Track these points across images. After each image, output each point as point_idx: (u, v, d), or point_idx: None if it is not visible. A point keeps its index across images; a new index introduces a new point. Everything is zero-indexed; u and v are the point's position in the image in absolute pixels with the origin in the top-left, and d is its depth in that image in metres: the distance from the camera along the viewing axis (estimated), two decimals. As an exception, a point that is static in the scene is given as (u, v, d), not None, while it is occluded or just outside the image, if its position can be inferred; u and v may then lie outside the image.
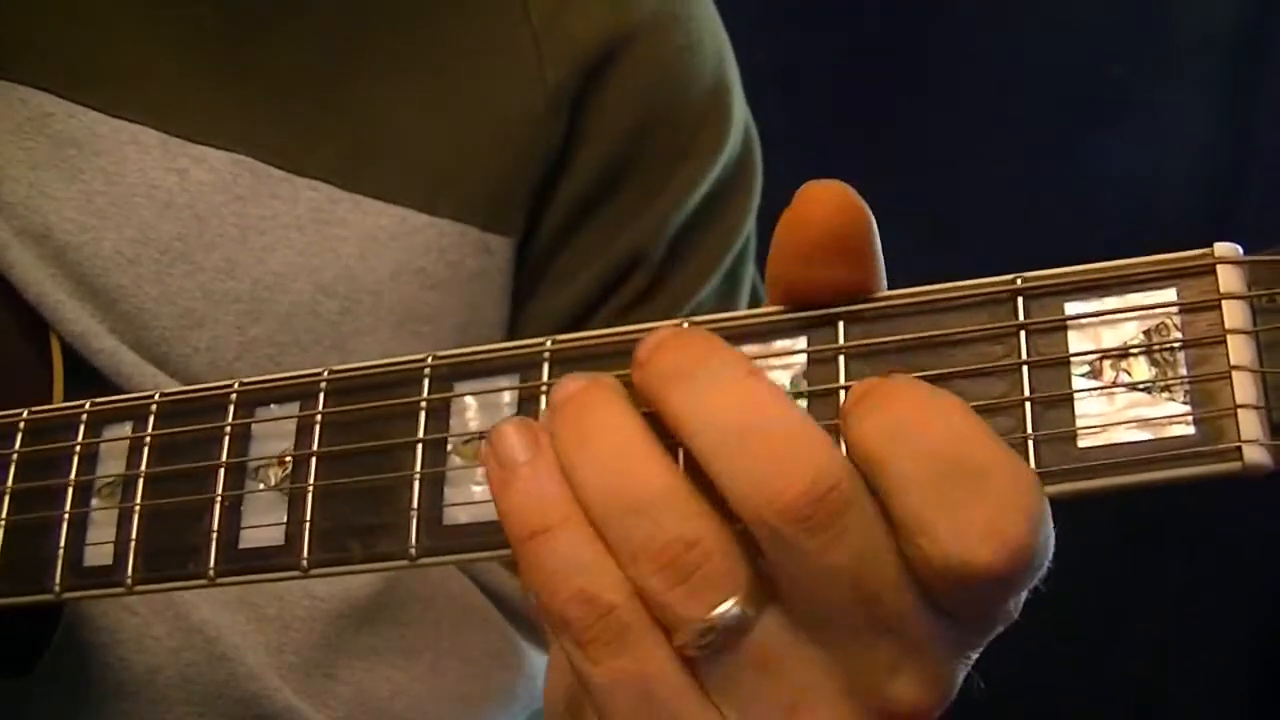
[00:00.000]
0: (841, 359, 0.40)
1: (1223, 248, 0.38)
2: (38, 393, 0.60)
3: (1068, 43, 1.68)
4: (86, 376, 0.63)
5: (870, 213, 0.39)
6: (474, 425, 0.43)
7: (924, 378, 0.39)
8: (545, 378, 0.43)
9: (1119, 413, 0.38)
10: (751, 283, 0.76)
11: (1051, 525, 0.37)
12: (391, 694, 0.69)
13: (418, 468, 0.43)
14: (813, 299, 0.41)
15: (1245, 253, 0.38)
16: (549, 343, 0.43)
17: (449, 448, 0.43)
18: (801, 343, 0.41)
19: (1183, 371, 0.38)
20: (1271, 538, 1.42)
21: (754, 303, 0.76)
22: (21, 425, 0.50)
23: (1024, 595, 0.39)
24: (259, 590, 0.66)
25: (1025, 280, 0.39)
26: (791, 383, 0.41)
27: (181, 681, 0.63)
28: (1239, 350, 0.37)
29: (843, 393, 0.40)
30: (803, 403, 0.40)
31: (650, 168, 0.70)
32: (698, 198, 0.72)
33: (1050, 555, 0.38)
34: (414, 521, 0.43)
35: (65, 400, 0.60)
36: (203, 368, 0.64)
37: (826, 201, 0.39)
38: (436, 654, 0.70)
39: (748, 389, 0.38)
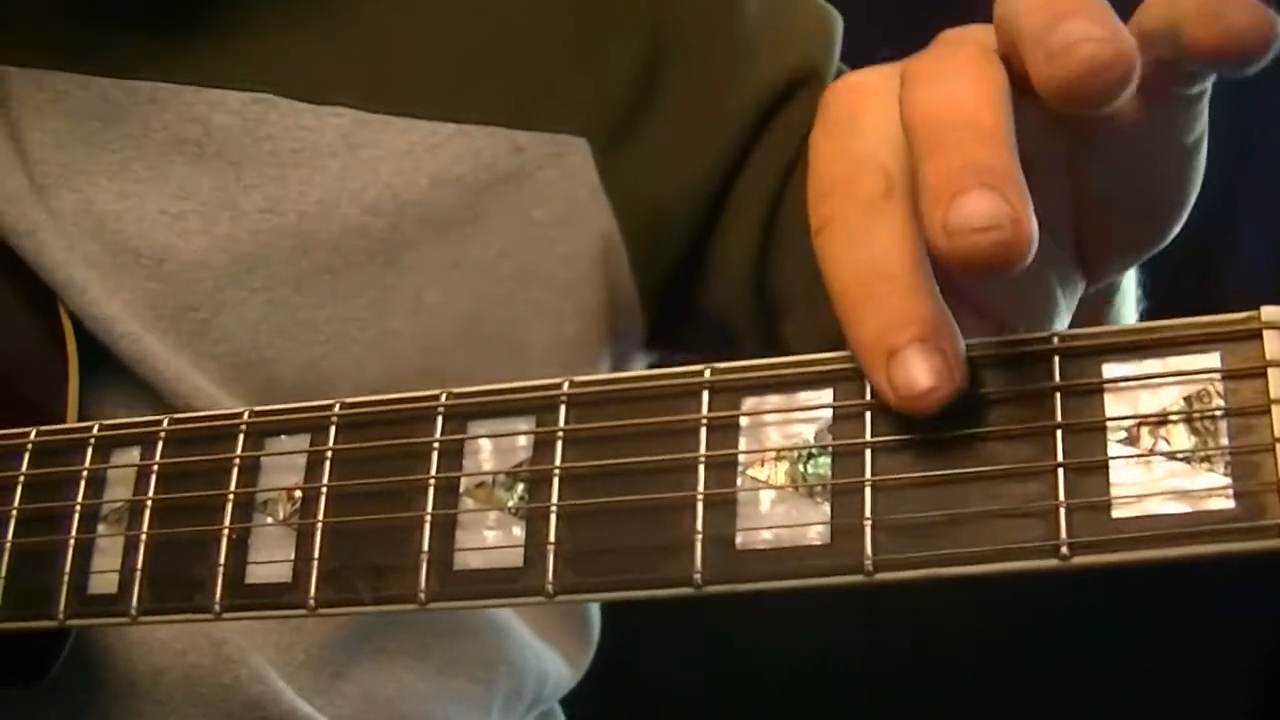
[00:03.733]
0: (869, 415, 0.37)
1: (1270, 312, 0.34)
2: (53, 381, 0.57)
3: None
4: (103, 360, 0.60)
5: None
6: (487, 467, 0.40)
7: (952, 439, 0.36)
8: (561, 422, 0.39)
9: (1156, 482, 0.34)
10: None
11: None
12: (399, 694, 0.65)
13: (429, 509, 0.40)
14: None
15: (1293, 316, 0.34)
16: (566, 385, 0.39)
17: (461, 489, 0.40)
18: (827, 395, 0.37)
19: (1224, 441, 0.34)
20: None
21: None
22: (29, 446, 0.46)
23: None
24: None
25: (1062, 339, 0.36)
26: (816, 437, 0.37)
27: (187, 683, 0.60)
28: (1285, 421, 0.33)
29: (868, 451, 0.36)
30: (826, 460, 0.37)
31: (692, 31, 0.66)
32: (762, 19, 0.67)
33: None
34: (424, 565, 0.39)
35: (80, 391, 0.56)
36: (260, 306, 0.61)
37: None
38: (446, 657, 0.67)
39: None
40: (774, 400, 0.37)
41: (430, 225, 0.63)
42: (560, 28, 0.65)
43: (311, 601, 0.40)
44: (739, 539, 0.37)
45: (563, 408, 0.39)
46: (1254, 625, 1.43)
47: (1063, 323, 0.44)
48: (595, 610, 0.75)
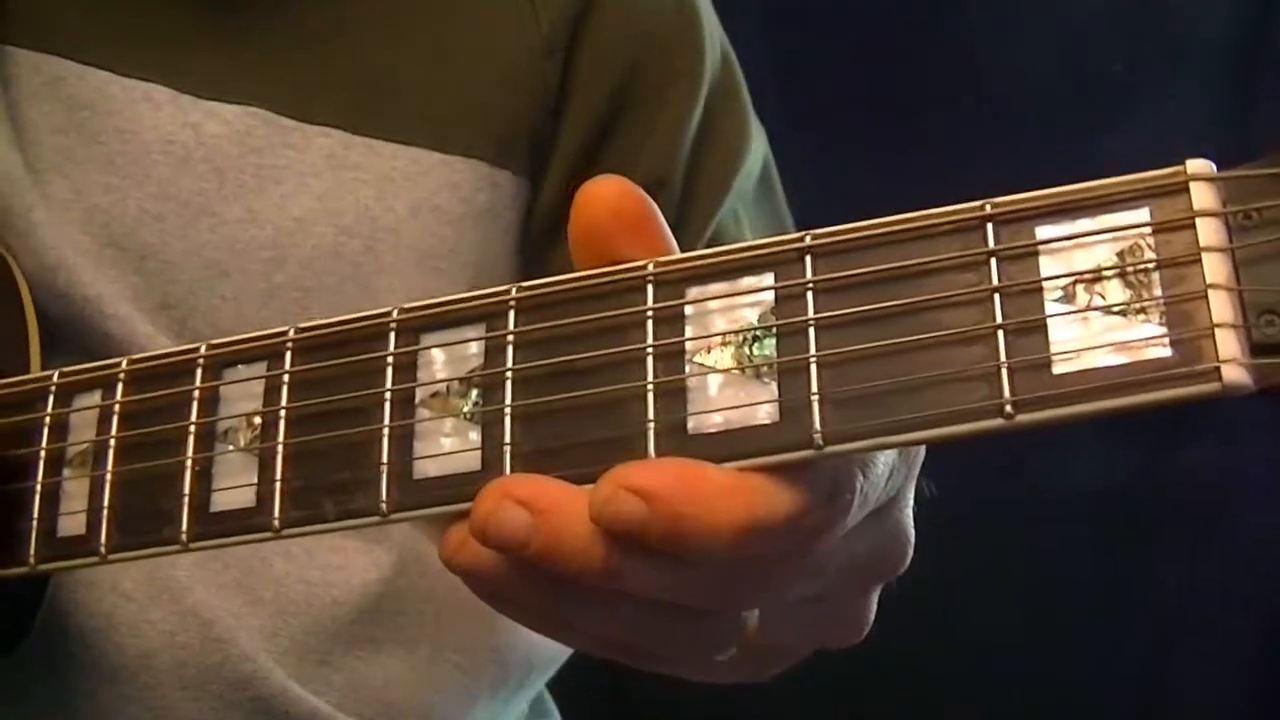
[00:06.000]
0: (810, 294, 0.39)
1: (1196, 164, 0.36)
2: (14, 344, 0.59)
3: (1068, 43, 1.66)
4: (98, 342, 0.62)
5: (646, 198, 0.41)
6: (441, 377, 0.42)
7: (894, 309, 0.38)
8: (511, 326, 0.41)
9: (1094, 337, 0.36)
10: (780, 212, 0.75)
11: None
12: (387, 682, 0.67)
13: (386, 422, 0.42)
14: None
15: (1220, 169, 0.37)
16: (514, 290, 0.42)
17: (417, 400, 0.42)
18: (769, 279, 0.39)
19: (1158, 292, 0.36)
20: (1272, 535, 1.40)
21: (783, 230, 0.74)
22: (-8, 398, 0.49)
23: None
24: (255, 574, 0.64)
25: (995, 206, 0.38)
26: (759, 320, 0.39)
27: (175, 665, 0.62)
28: (1215, 269, 0.35)
29: (812, 328, 0.38)
30: (771, 340, 0.39)
31: (644, 99, 0.70)
32: (695, 118, 0.71)
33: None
34: (384, 476, 0.41)
35: (44, 365, 0.59)
36: (231, 317, 0.64)
37: (605, 194, 0.41)
38: (435, 646, 0.69)
39: None
40: (717, 287, 0.39)
41: (405, 252, 0.66)
42: (544, 75, 0.69)
43: (276, 523, 0.42)
44: (691, 424, 0.39)
45: (511, 313, 0.41)
46: (1252, 627, 1.44)
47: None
48: None
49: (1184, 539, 1.44)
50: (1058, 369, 0.36)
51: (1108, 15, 1.68)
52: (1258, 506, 1.40)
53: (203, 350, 0.45)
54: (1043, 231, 0.37)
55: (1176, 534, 1.44)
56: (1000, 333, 0.37)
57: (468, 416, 0.41)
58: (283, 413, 0.43)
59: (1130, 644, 1.43)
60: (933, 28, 1.63)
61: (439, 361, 0.42)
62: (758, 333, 0.39)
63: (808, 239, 0.39)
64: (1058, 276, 0.37)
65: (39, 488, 0.47)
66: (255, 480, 0.43)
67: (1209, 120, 1.66)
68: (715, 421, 0.39)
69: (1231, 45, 1.67)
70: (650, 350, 0.39)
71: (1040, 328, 0.37)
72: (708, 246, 0.68)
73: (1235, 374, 0.35)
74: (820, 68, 1.57)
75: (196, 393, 0.45)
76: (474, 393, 0.41)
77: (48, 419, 0.47)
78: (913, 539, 0.44)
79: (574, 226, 0.41)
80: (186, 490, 0.44)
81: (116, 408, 0.46)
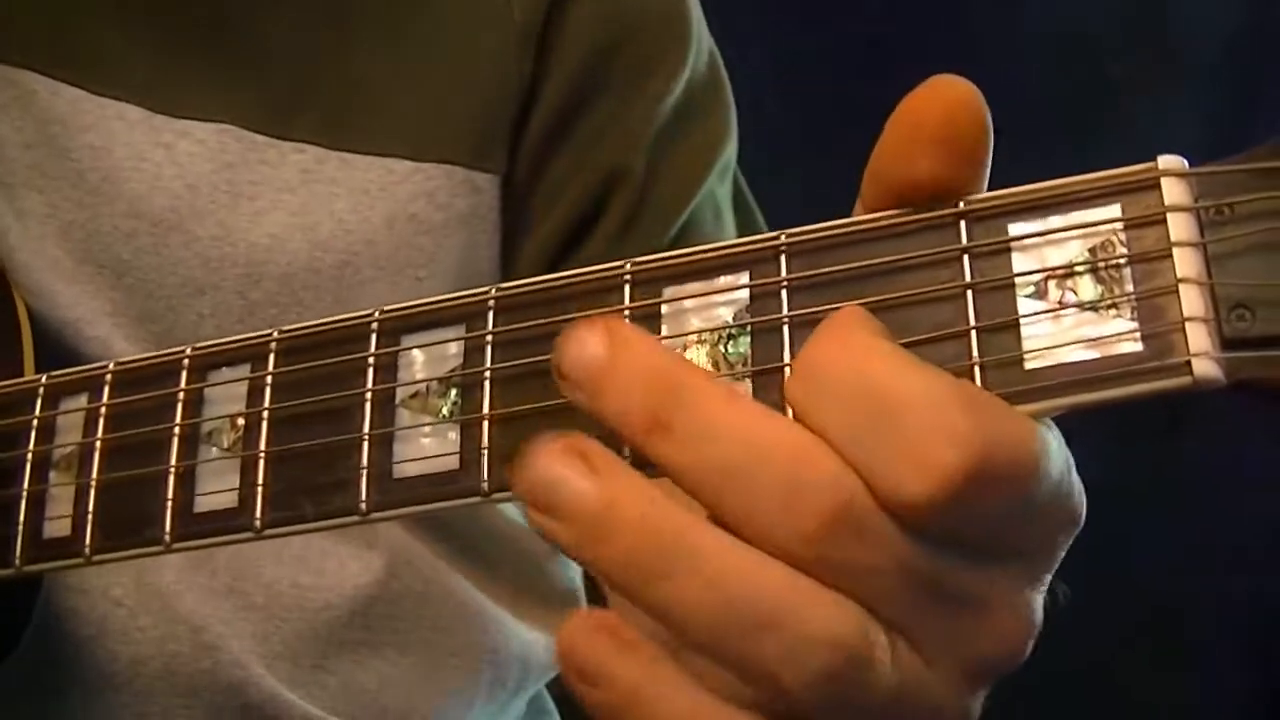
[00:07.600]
0: (784, 292, 0.38)
1: (1167, 160, 0.36)
2: (9, 363, 0.59)
3: (1068, 43, 1.66)
4: (76, 364, 0.62)
5: (988, 117, 0.37)
6: (421, 377, 0.42)
7: (868, 306, 0.37)
8: (490, 326, 0.41)
9: (1066, 332, 0.36)
10: (752, 216, 0.74)
11: (1015, 430, 0.34)
12: (380, 686, 0.67)
13: (366, 424, 0.42)
14: (909, 198, 0.38)
15: (1191, 165, 0.36)
16: (493, 290, 0.41)
17: (397, 401, 0.42)
18: (744, 278, 0.39)
19: (1129, 288, 0.36)
20: (1272, 533, 1.40)
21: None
22: (-21, 402, 0.49)
23: (1063, 501, 0.36)
24: (246, 579, 0.64)
25: (968, 203, 0.38)
26: (735, 318, 0.39)
27: (166, 672, 0.62)
28: (1186, 263, 0.35)
29: (786, 326, 0.38)
30: (746, 339, 0.39)
31: (616, 85, 0.69)
32: (668, 109, 0.70)
33: (1042, 454, 0.35)
34: (364, 477, 0.41)
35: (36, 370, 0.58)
36: (210, 333, 0.63)
37: (946, 94, 0.37)
38: (429, 649, 0.69)
39: (730, 422, 0.35)
40: (693, 287, 0.39)
41: (382, 265, 0.65)
42: (520, 69, 0.68)
43: (257, 523, 0.42)
44: None
45: (491, 313, 0.41)
46: (1251, 625, 1.44)
47: None
48: (580, 587, 0.77)
49: (1184, 534, 1.43)
50: (1029, 364, 0.36)
51: (1108, 15, 1.67)
52: (1258, 503, 1.40)
53: (188, 352, 0.45)
54: (1015, 228, 0.37)
55: (1176, 530, 1.44)
56: (973, 330, 0.37)
57: (447, 417, 0.41)
58: (265, 414, 0.43)
59: (1130, 641, 1.43)
60: (932, 27, 1.62)
61: (419, 362, 0.42)
62: (733, 331, 0.39)
63: (782, 238, 0.39)
64: (1030, 272, 0.37)
65: (26, 491, 0.47)
66: (237, 483, 0.43)
67: (1209, 120, 1.66)
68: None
69: (1231, 45, 1.67)
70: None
71: (1012, 324, 0.36)
72: (679, 239, 0.69)
73: (1206, 368, 0.35)
74: (820, 68, 1.57)
75: (181, 395, 0.45)
76: (453, 393, 0.41)
77: (35, 421, 0.47)
78: (1037, 628, 0.38)
79: (894, 125, 0.37)
80: (170, 492, 0.44)
81: (103, 410, 0.46)
